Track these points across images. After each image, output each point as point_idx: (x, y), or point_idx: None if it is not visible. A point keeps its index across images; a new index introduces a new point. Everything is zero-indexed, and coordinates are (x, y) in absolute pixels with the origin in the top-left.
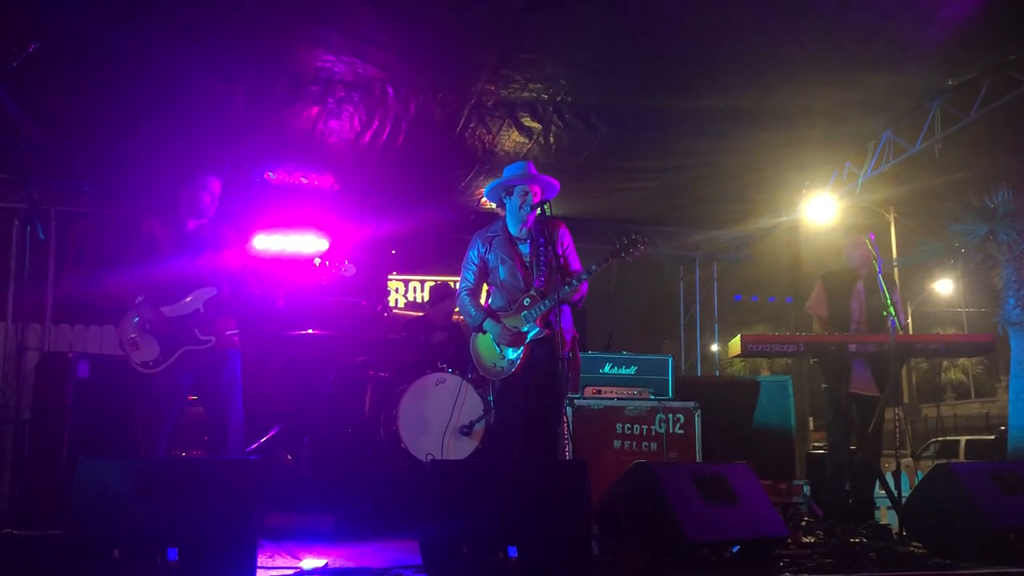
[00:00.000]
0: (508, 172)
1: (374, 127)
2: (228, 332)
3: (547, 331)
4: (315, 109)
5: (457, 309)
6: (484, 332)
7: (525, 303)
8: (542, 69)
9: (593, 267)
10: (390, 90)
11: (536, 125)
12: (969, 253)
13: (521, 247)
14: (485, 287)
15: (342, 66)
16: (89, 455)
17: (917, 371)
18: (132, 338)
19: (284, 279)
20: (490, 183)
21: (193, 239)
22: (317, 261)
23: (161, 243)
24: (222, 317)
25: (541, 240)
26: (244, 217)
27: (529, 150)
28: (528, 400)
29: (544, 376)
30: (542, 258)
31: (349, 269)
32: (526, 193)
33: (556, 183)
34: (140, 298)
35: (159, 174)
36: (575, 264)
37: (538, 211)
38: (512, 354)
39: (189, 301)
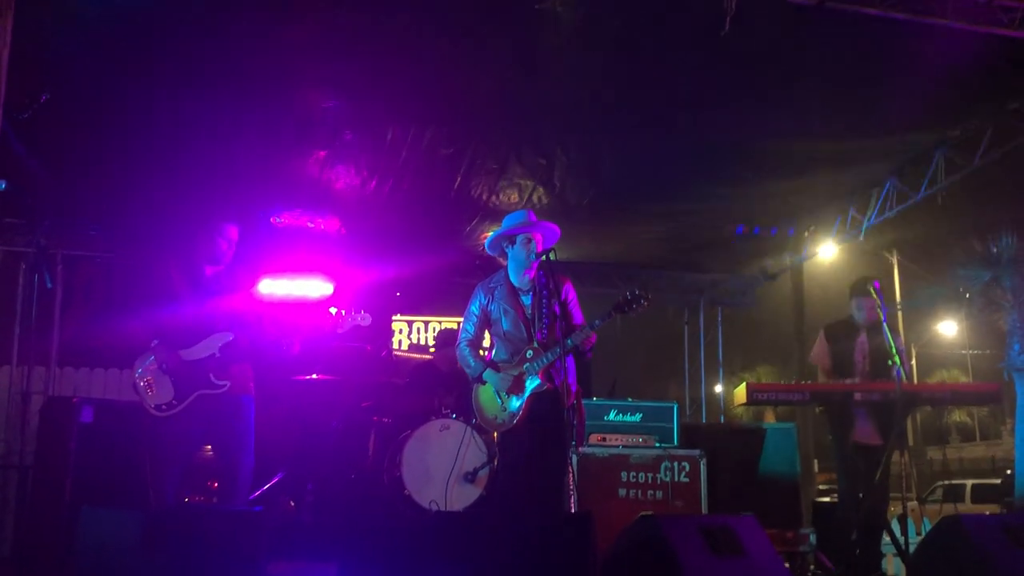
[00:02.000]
0: (508, 221)
1: (380, 171)
2: (243, 378)
3: (548, 384)
4: (322, 153)
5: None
6: (484, 383)
7: (528, 355)
8: (546, 103)
9: (596, 321)
10: (397, 131)
11: (541, 161)
12: (973, 298)
13: (523, 298)
14: (488, 338)
15: (348, 106)
16: (92, 503)
17: (922, 413)
18: (148, 381)
19: (301, 325)
20: (491, 234)
21: (210, 284)
22: (333, 310)
23: (178, 288)
24: (237, 362)
25: (544, 292)
26: (256, 264)
27: (533, 192)
28: (532, 452)
29: (547, 429)
30: (544, 310)
31: (365, 319)
32: (529, 240)
33: (556, 228)
34: (156, 341)
35: (171, 218)
36: (578, 317)
37: (542, 259)
38: (513, 406)
39: (205, 345)
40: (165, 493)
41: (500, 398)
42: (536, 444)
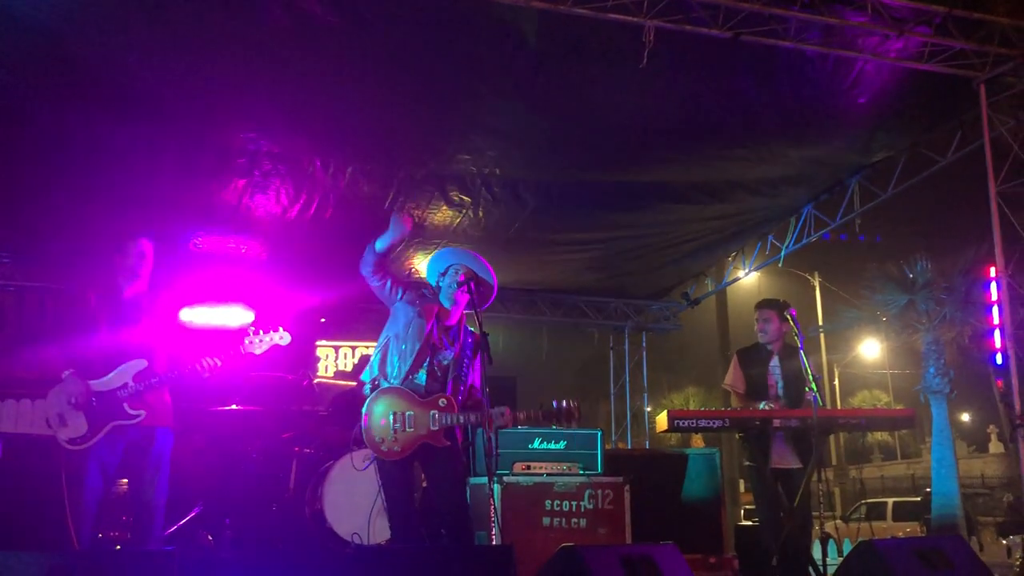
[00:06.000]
0: (445, 253)
1: (302, 200)
2: (161, 407)
3: (447, 442)
4: (241, 182)
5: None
6: (385, 395)
7: (440, 404)
8: (468, 140)
9: (521, 415)
10: (318, 162)
11: (466, 199)
12: (891, 321)
13: (445, 331)
14: (384, 343)
15: (267, 139)
16: None
17: (844, 432)
18: (59, 414)
19: (220, 352)
20: (431, 258)
21: (129, 308)
22: (252, 330)
23: (96, 314)
24: (153, 390)
25: (469, 341)
26: (176, 287)
27: (459, 224)
28: (420, 487)
29: (439, 469)
30: (466, 369)
31: (284, 337)
32: (457, 271)
33: (492, 274)
34: (68, 372)
35: (85, 243)
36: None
37: (472, 311)
38: (402, 441)
39: (117, 374)
40: (84, 527)
41: (393, 427)
42: (430, 484)
